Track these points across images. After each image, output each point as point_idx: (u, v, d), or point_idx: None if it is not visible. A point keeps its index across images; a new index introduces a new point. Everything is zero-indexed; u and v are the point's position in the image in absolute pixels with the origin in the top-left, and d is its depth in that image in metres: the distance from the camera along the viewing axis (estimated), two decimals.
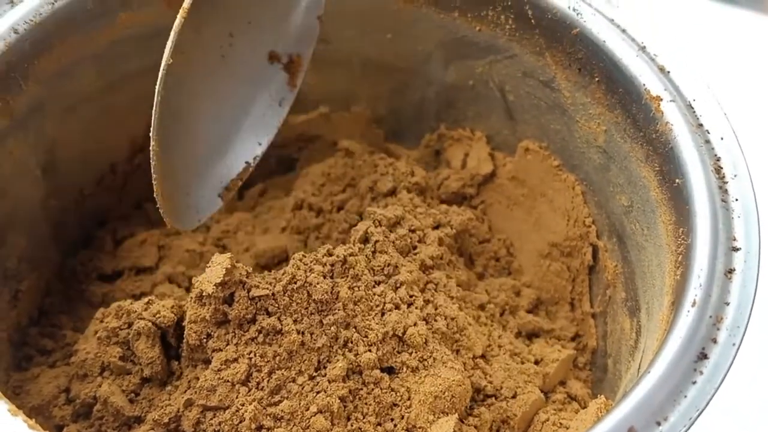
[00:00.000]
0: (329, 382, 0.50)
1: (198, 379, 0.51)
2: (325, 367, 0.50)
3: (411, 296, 0.54)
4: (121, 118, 0.66)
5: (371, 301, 0.52)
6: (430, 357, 0.52)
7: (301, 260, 0.51)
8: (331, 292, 0.50)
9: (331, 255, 0.52)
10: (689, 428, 0.39)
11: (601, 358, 0.61)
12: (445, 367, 0.52)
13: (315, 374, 0.50)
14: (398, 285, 0.54)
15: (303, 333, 0.50)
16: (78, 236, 0.67)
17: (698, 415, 0.40)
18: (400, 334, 0.52)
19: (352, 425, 0.50)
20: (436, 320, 0.54)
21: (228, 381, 0.49)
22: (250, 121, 0.63)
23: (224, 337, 0.50)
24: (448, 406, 0.50)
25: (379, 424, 0.50)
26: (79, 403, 0.53)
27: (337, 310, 0.50)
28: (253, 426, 0.48)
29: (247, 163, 0.62)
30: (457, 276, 0.59)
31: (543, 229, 0.65)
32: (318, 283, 0.50)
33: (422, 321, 0.53)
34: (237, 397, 0.49)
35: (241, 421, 0.48)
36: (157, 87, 0.50)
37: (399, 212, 0.58)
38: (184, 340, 0.52)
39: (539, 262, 0.65)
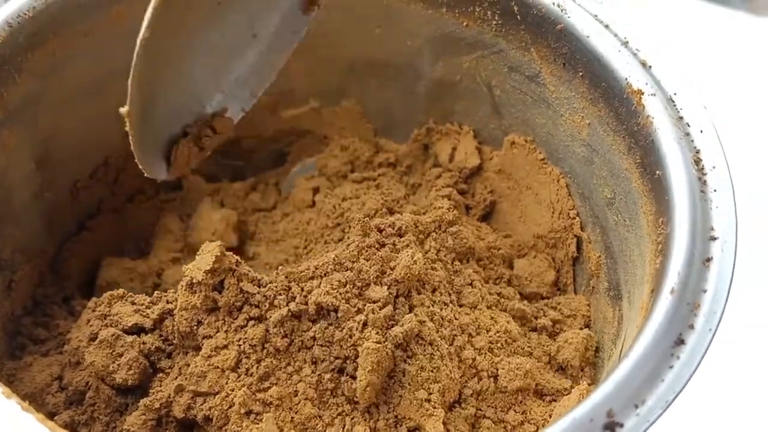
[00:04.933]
0: (318, 372, 0.51)
1: (188, 365, 0.52)
2: (314, 362, 0.51)
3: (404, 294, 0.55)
4: (115, 112, 0.66)
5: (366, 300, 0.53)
6: (421, 351, 0.53)
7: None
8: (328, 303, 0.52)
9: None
10: (665, 410, 0.40)
11: None
12: (434, 359, 0.52)
13: (303, 364, 0.51)
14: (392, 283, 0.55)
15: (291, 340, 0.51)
16: (71, 228, 0.68)
17: (674, 398, 0.41)
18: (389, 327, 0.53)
19: (340, 413, 0.51)
20: (431, 318, 0.54)
21: (218, 367, 0.50)
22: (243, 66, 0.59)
23: (214, 324, 0.51)
24: (437, 398, 0.51)
25: (368, 412, 0.51)
26: (71, 390, 0.54)
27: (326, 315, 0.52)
28: (243, 411, 0.49)
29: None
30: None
31: (528, 222, 0.66)
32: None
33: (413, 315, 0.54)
34: (227, 383, 0.50)
35: (230, 406, 0.49)
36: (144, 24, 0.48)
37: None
38: (175, 327, 0.53)
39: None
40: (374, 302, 0.53)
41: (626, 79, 0.54)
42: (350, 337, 0.51)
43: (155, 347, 0.54)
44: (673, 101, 0.52)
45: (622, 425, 0.39)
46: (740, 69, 0.96)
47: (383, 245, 0.56)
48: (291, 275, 0.53)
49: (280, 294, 0.52)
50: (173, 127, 0.57)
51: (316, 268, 0.54)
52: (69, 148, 0.64)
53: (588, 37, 0.56)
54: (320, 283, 0.53)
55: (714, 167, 0.49)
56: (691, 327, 0.43)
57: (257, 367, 0.50)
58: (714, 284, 0.45)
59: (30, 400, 0.53)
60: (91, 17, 0.61)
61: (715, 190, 0.48)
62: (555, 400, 0.55)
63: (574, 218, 0.62)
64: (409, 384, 0.51)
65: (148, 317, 0.55)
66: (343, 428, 0.50)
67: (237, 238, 0.69)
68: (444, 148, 0.71)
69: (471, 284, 0.59)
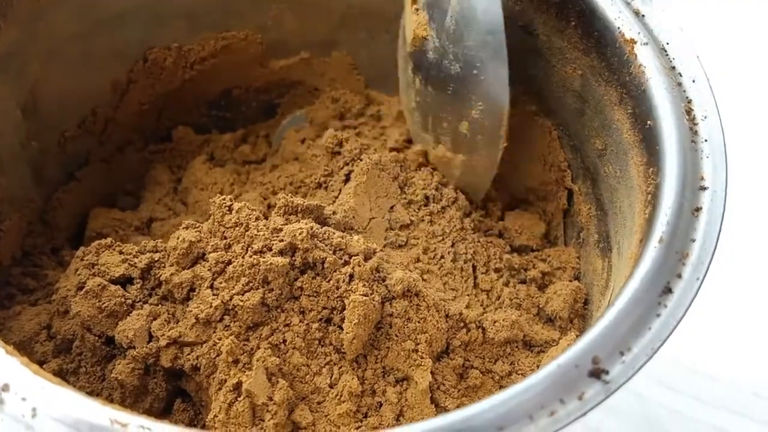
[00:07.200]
0: (306, 322, 0.51)
1: (175, 315, 0.52)
2: (302, 312, 0.51)
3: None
4: (102, 62, 0.66)
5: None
6: (411, 305, 0.52)
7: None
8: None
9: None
10: (651, 358, 0.40)
11: None
12: (421, 310, 0.52)
13: (291, 313, 0.51)
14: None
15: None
16: (60, 178, 0.67)
17: (660, 346, 0.41)
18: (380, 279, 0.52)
19: (328, 362, 0.51)
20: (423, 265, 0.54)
21: (205, 319, 0.50)
22: None
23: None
24: (424, 348, 0.51)
25: (356, 362, 0.51)
26: (60, 339, 0.54)
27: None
28: (230, 359, 0.49)
29: None
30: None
31: (520, 174, 0.66)
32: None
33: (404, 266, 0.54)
34: (214, 332, 0.50)
35: (218, 355, 0.49)
36: None
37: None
38: (163, 279, 0.53)
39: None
40: None
41: (619, 28, 0.53)
42: (337, 288, 0.51)
43: (142, 297, 0.54)
44: (666, 50, 0.52)
45: (607, 372, 0.39)
46: (734, 18, 0.95)
47: None
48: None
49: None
50: None
51: None
52: (56, 98, 0.63)
53: None
54: None
55: (705, 117, 0.49)
56: (679, 276, 0.43)
57: (244, 319, 0.50)
58: (702, 234, 0.44)
59: (18, 349, 0.53)
60: None
61: (705, 140, 0.48)
62: (543, 351, 0.55)
63: (565, 170, 0.62)
64: (396, 335, 0.51)
65: (136, 267, 0.55)
66: (331, 377, 0.50)
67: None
68: None
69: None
